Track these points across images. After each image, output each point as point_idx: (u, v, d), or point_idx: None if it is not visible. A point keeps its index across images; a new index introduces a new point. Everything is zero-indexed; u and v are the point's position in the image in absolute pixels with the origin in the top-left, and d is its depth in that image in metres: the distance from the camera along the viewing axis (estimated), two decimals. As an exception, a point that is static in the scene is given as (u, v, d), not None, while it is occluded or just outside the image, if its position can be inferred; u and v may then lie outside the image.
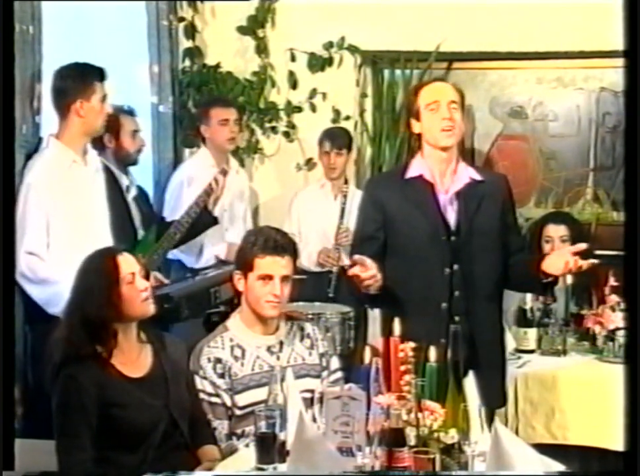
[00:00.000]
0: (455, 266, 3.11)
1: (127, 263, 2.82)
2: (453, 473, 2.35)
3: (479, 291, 3.14)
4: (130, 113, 4.20)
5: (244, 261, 3.02)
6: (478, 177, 3.19)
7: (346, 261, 4.71)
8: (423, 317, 3.07)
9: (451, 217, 3.14)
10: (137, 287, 2.81)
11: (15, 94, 3.24)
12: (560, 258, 3.06)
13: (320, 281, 4.68)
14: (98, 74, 3.57)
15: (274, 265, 2.98)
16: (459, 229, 3.12)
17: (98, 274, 2.79)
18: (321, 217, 4.87)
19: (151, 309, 2.85)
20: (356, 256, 2.96)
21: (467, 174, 3.18)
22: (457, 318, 3.08)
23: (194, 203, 4.13)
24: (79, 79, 3.55)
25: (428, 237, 3.12)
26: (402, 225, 3.16)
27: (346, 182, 4.89)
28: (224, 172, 4.27)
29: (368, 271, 2.90)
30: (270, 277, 2.97)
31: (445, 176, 3.16)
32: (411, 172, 3.19)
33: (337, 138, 4.87)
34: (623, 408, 3.48)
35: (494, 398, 3.12)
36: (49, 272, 3.42)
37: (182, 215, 4.12)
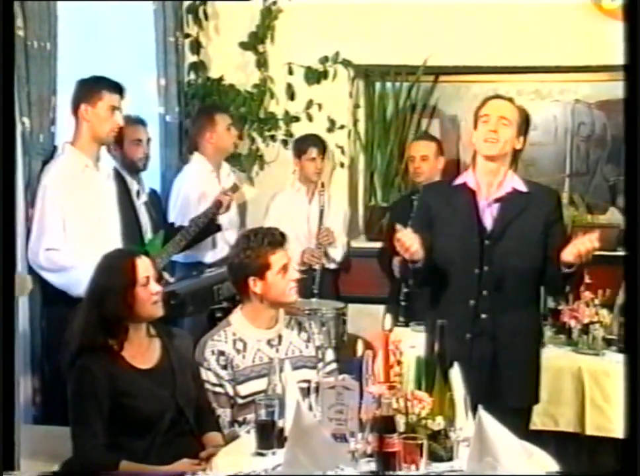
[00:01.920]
0: (486, 267, 3.07)
1: (144, 266, 2.82)
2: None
3: (508, 293, 3.08)
4: (139, 122, 4.13)
5: (258, 264, 2.97)
6: (523, 188, 3.16)
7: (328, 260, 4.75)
8: (452, 311, 3.03)
9: (488, 222, 3.12)
10: (150, 290, 2.80)
11: (14, 92, 3.18)
12: (574, 246, 2.95)
13: (303, 279, 4.63)
14: (108, 84, 3.57)
15: (284, 255, 3.02)
16: (494, 233, 3.11)
17: (116, 274, 2.79)
18: (297, 219, 4.81)
19: (159, 311, 2.85)
20: (399, 227, 2.97)
21: (511, 184, 3.15)
22: (483, 315, 3.07)
23: (202, 214, 4.09)
24: (88, 85, 3.57)
25: (462, 238, 3.11)
26: (441, 225, 3.17)
27: (322, 185, 4.83)
28: (235, 188, 4.23)
29: (409, 240, 2.94)
30: (285, 268, 3.00)
31: (492, 186, 3.15)
32: (458, 181, 3.22)
33: (319, 144, 4.84)
34: (603, 397, 3.54)
35: (522, 396, 3.11)
36: (67, 259, 3.43)
37: (189, 223, 4.07)
